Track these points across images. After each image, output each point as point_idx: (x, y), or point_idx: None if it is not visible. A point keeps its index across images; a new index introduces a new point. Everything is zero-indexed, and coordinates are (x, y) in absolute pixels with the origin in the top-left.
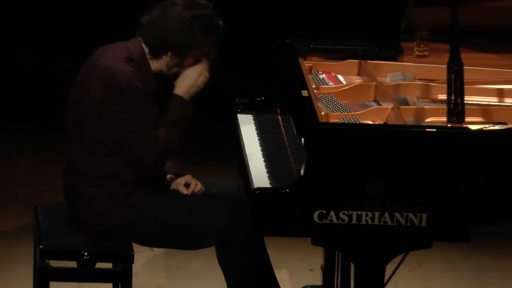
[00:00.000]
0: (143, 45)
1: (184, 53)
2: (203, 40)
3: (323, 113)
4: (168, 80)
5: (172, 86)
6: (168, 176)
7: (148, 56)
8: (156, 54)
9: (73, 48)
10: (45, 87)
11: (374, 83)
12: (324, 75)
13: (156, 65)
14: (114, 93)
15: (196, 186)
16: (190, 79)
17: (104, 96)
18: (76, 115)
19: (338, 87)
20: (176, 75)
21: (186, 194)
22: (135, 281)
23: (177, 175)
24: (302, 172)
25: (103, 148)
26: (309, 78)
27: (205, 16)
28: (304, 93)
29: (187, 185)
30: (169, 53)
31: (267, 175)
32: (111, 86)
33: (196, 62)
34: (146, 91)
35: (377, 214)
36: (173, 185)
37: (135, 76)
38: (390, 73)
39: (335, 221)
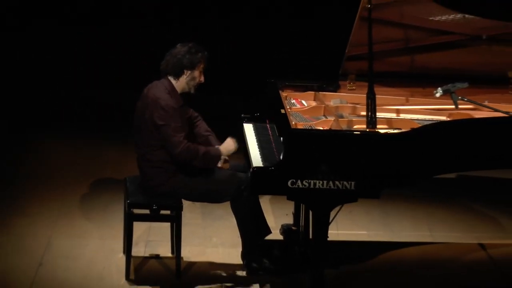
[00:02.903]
0: (170, 79)
1: (193, 68)
2: (201, 58)
3: (293, 122)
4: (190, 96)
5: (190, 99)
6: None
7: (174, 83)
8: (178, 75)
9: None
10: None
11: (323, 105)
12: (294, 100)
13: (180, 85)
14: (158, 109)
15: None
16: (229, 146)
17: (153, 112)
18: (139, 126)
19: (302, 107)
20: (195, 87)
21: (215, 168)
22: (183, 221)
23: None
24: (281, 157)
25: (155, 145)
26: (285, 102)
27: (195, 45)
28: (282, 111)
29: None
30: (185, 71)
31: (261, 158)
32: (156, 106)
33: (200, 74)
34: (177, 107)
35: (325, 181)
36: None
37: (170, 99)
38: (333, 99)
39: (300, 186)
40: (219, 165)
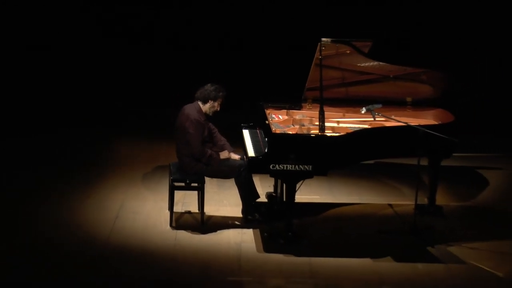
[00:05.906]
0: (199, 103)
1: (215, 100)
2: (221, 95)
3: (274, 129)
4: (209, 117)
5: (209, 119)
6: (230, 154)
7: (201, 106)
8: (205, 102)
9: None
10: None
11: (292, 118)
12: (274, 115)
13: (204, 108)
14: (189, 121)
15: (232, 156)
16: (225, 155)
17: (185, 122)
18: (177, 132)
19: (279, 120)
20: (213, 113)
21: (228, 158)
22: (205, 190)
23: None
24: (266, 150)
25: (186, 144)
26: (268, 116)
27: (220, 86)
28: (266, 122)
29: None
30: (210, 101)
31: (253, 151)
32: (188, 119)
33: (218, 106)
34: (202, 121)
35: (293, 165)
36: (229, 155)
37: (197, 115)
38: (298, 114)
39: (278, 168)
40: (236, 157)
